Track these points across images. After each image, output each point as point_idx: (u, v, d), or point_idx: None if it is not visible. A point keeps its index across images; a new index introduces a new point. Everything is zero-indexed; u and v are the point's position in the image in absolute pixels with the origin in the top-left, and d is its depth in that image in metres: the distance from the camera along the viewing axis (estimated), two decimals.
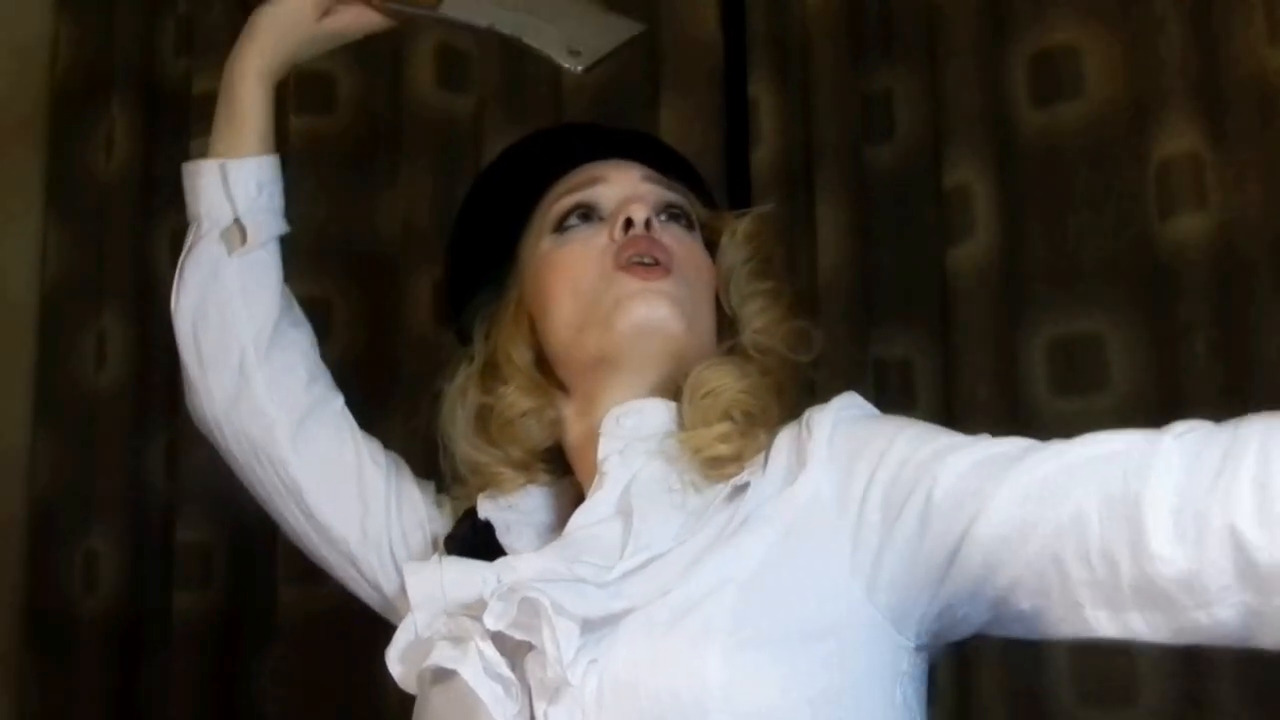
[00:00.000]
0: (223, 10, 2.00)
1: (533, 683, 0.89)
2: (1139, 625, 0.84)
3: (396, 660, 0.96)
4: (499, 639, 0.90)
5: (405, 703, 1.72)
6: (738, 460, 0.98)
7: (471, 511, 1.07)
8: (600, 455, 1.01)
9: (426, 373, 1.80)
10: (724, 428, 0.99)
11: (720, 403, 1.01)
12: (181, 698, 1.85)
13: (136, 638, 1.93)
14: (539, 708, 0.89)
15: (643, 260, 1.03)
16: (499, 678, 0.89)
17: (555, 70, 1.82)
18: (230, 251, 1.15)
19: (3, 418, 2.02)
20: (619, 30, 1.20)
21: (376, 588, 1.15)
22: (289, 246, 1.87)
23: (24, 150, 2.09)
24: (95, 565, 1.94)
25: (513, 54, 1.87)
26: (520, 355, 1.09)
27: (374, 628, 1.67)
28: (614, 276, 1.03)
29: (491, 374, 1.11)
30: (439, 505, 1.15)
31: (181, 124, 2.01)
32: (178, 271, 1.16)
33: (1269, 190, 1.45)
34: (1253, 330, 1.43)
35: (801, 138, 1.69)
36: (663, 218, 1.08)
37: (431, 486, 1.18)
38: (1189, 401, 1.43)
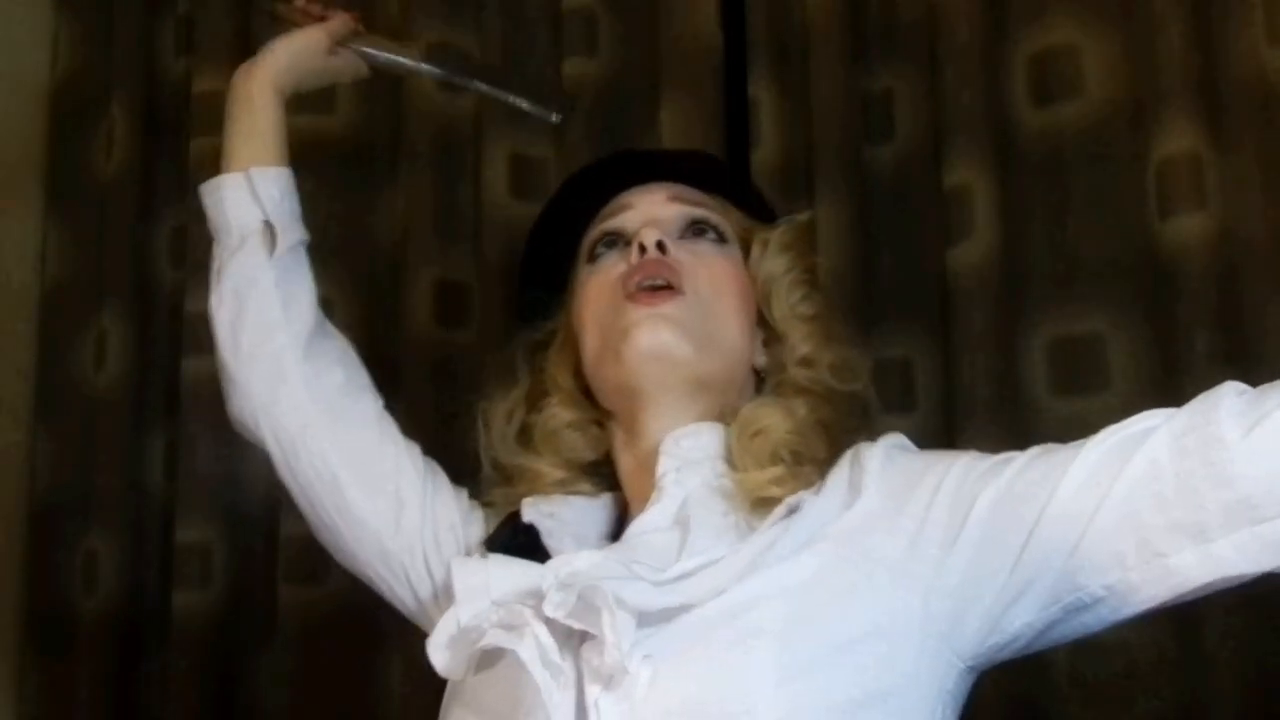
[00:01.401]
0: (223, 10, 2.00)
1: (586, 671, 0.91)
2: (1229, 553, 0.87)
3: (441, 648, 0.96)
4: (552, 628, 0.91)
5: (406, 702, 1.73)
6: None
7: (514, 515, 1.09)
8: (660, 471, 1.04)
9: (426, 373, 1.82)
10: (777, 471, 1.02)
11: (769, 444, 1.03)
12: (181, 698, 1.85)
13: (136, 638, 1.93)
14: (590, 694, 0.90)
15: (652, 283, 1.05)
16: (551, 664, 0.91)
17: (555, 71, 1.84)
18: (267, 254, 1.18)
19: (3, 417, 2.02)
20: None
21: (405, 586, 1.16)
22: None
23: (24, 150, 2.09)
24: (95, 565, 1.94)
25: (512, 54, 1.88)
26: (564, 379, 1.14)
27: (374, 628, 1.68)
28: (622, 306, 1.06)
29: (537, 395, 1.15)
30: (471, 511, 1.17)
31: (181, 124, 2.01)
32: (213, 280, 1.20)
33: (1269, 190, 1.45)
34: (1253, 330, 1.44)
35: (801, 138, 1.69)
36: (689, 235, 1.10)
37: (464, 494, 1.19)
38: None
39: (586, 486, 1.14)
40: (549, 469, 1.12)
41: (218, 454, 1.88)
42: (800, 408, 1.07)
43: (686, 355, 1.04)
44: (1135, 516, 0.89)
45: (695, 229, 1.11)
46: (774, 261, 1.12)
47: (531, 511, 1.08)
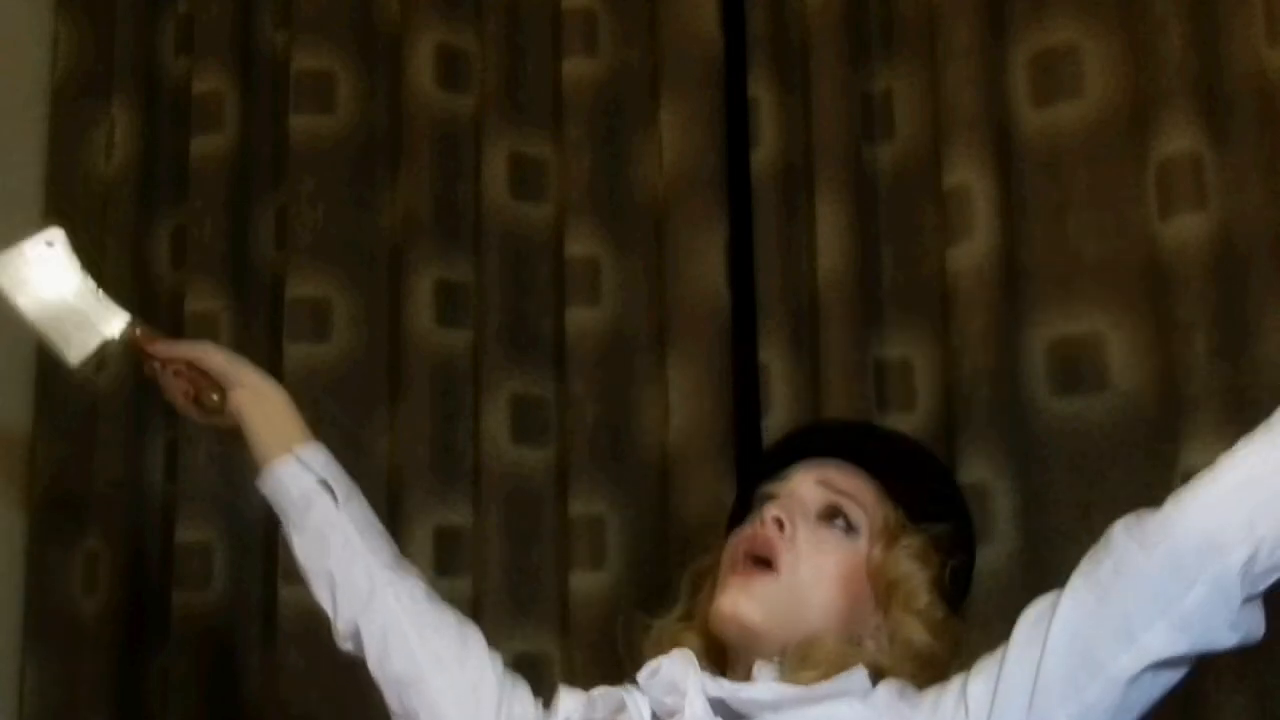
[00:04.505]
0: (223, 10, 2.00)
1: None
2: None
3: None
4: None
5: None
6: None
7: None
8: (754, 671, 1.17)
9: (426, 373, 1.82)
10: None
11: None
12: (181, 698, 1.85)
13: (136, 638, 1.93)
14: None
15: (755, 557, 1.18)
16: None
17: (555, 70, 1.84)
18: (334, 505, 1.34)
19: (3, 417, 2.02)
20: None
21: None
22: (290, 247, 1.89)
23: (24, 150, 2.09)
24: (95, 565, 1.94)
25: (513, 54, 1.88)
26: (703, 610, 1.24)
27: None
28: (728, 572, 1.20)
29: (688, 615, 1.28)
30: (549, 717, 1.27)
31: (181, 124, 2.01)
32: (294, 542, 1.35)
33: (1269, 190, 1.46)
34: (1253, 330, 1.44)
35: (801, 138, 1.69)
36: (824, 518, 1.20)
37: (540, 702, 1.32)
38: (1189, 401, 1.43)
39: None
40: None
41: (217, 454, 1.88)
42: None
43: (761, 626, 1.16)
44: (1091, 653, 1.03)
45: (829, 513, 1.20)
46: (896, 564, 1.19)
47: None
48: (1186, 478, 1.09)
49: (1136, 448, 1.48)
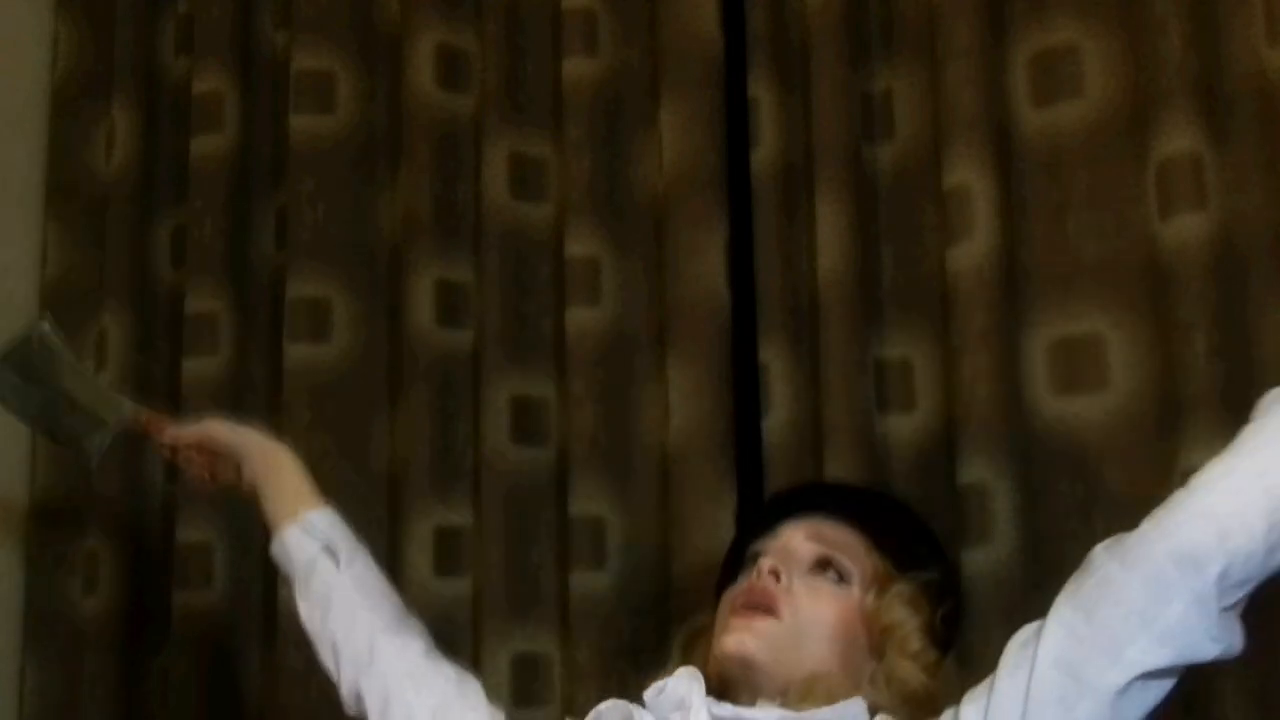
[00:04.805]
0: (223, 10, 2.00)
1: None
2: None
3: None
4: None
5: None
6: None
7: None
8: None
9: (426, 373, 1.82)
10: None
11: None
12: (181, 698, 1.85)
13: (136, 638, 1.93)
14: None
15: (753, 605, 1.21)
16: None
17: (555, 70, 1.84)
18: (335, 568, 1.38)
19: (3, 417, 2.01)
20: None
21: None
22: (290, 247, 1.89)
23: (24, 150, 2.09)
24: (95, 565, 1.94)
25: (513, 54, 1.88)
26: (701, 658, 1.28)
27: None
28: (727, 618, 1.23)
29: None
30: None
31: (181, 124, 2.01)
32: (300, 605, 1.38)
33: (1269, 190, 1.46)
34: (1253, 330, 1.44)
35: (801, 138, 1.69)
36: (815, 569, 1.24)
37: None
38: (1189, 401, 1.43)
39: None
40: None
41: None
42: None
43: (765, 662, 1.18)
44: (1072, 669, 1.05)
45: (821, 564, 1.24)
46: (889, 611, 1.23)
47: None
48: (1186, 478, 1.09)
49: (1136, 448, 1.48)
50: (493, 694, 1.35)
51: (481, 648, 1.72)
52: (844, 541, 1.26)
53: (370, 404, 1.86)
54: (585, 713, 1.22)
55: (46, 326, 1.49)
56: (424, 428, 1.80)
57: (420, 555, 1.77)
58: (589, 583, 1.71)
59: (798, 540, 1.25)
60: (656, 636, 1.67)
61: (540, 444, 1.80)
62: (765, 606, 1.21)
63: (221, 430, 1.49)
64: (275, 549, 1.40)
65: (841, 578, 1.24)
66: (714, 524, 1.64)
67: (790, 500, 1.35)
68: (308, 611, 1.37)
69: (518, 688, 1.71)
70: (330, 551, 1.38)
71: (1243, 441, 1.08)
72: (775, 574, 1.22)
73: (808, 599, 1.22)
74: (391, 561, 1.78)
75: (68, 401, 1.48)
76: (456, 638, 1.74)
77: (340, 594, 1.36)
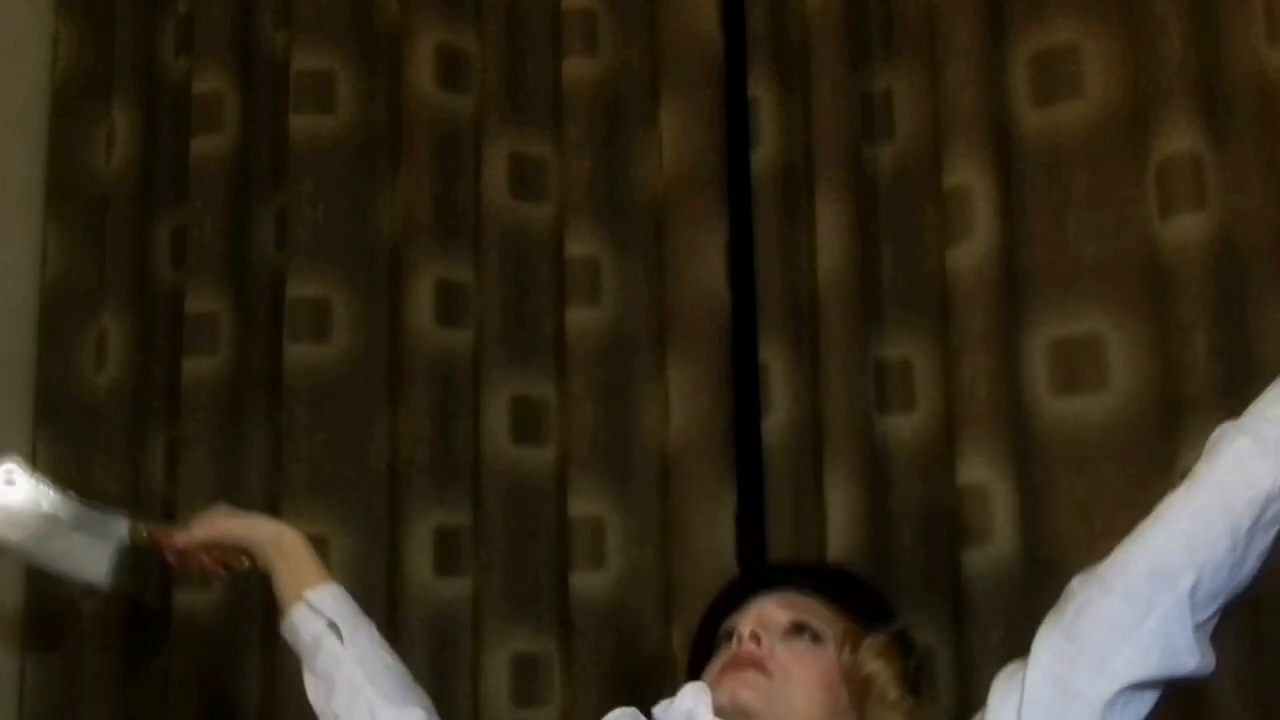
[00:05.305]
0: (223, 10, 2.00)
1: None
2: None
3: None
4: None
5: None
6: None
7: None
8: None
9: (426, 373, 1.82)
10: None
11: None
12: (181, 698, 1.85)
13: (136, 637, 1.93)
14: None
15: (742, 664, 1.25)
16: None
17: (555, 70, 1.84)
18: (340, 644, 1.39)
19: (3, 417, 2.02)
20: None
21: None
22: (290, 247, 1.89)
23: (24, 150, 2.09)
24: None
25: (513, 54, 1.88)
26: None
27: None
28: (718, 676, 1.27)
29: None
30: None
31: (181, 124, 2.01)
32: (307, 680, 1.40)
33: (1269, 190, 1.46)
34: (1253, 330, 1.44)
35: (801, 138, 1.69)
36: (791, 634, 1.28)
37: None
38: (1189, 401, 1.43)
39: None
40: None
41: (218, 454, 1.88)
42: None
43: (759, 710, 1.22)
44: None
45: (796, 629, 1.28)
46: (863, 664, 1.27)
47: None
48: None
49: (1136, 448, 1.48)
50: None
51: (481, 648, 1.72)
52: (813, 607, 1.30)
53: (370, 404, 1.86)
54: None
55: (14, 465, 1.47)
56: (424, 428, 1.80)
57: (420, 555, 1.77)
58: (589, 583, 1.71)
59: (770, 609, 1.30)
60: (656, 637, 1.67)
61: (540, 444, 1.80)
62: (755, 664, 1.25)
63: (228, 525, 1.49)
64: (285, 630, 1.42)
65: (817, 638, 1.28)
66: (714, 524, 1.64)
67: (753, 580, 1.41)
68: (314, 688, 1.39)
69: (518, 688, 1.71)
70: (334, 627, 1.40)
71: (1199, 475, 1.12)
72: (756, 639, 1.26)
73: (791, 660, 1.26)
74: (391, 561, 1.78)
75: (65, 532, 1.47)
76: (456, 638, 1.75)
77: (344, 669, 1.38)
